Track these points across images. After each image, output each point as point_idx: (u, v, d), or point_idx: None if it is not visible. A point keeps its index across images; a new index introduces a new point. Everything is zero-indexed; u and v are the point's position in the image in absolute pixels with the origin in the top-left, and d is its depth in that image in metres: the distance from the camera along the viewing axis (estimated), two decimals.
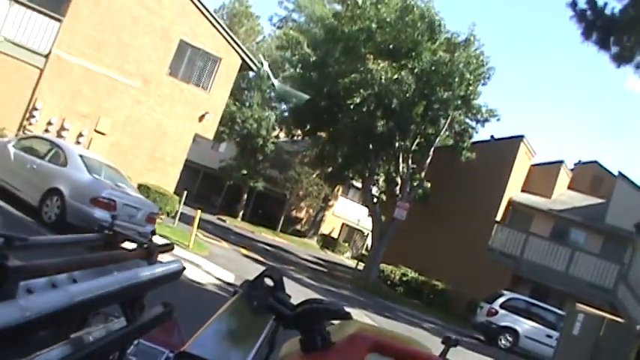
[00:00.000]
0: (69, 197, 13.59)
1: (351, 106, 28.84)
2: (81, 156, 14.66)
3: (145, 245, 2.59)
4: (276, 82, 39.66)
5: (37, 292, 1.78)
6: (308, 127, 34.22)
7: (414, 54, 29.53)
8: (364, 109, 29.55)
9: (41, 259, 1.74)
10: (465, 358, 18.19)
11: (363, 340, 2.04)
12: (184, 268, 2.77)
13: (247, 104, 47.52)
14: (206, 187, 51.00)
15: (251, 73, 53.41)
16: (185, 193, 24.10)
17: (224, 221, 42.40)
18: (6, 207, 13.97)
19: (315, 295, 19.37)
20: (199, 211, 20.96)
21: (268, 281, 2.33)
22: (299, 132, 36.34)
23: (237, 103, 45.93)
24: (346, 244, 53.38)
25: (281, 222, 48.55)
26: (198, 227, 21.16)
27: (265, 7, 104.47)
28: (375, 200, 34.62)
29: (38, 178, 14.19)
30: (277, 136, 48.71)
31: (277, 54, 48.82)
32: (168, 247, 2.93)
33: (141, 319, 2.27)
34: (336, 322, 2.23)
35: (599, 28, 11.27)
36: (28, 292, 1.76)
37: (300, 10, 47.96)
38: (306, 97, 30.62)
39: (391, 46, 29.71)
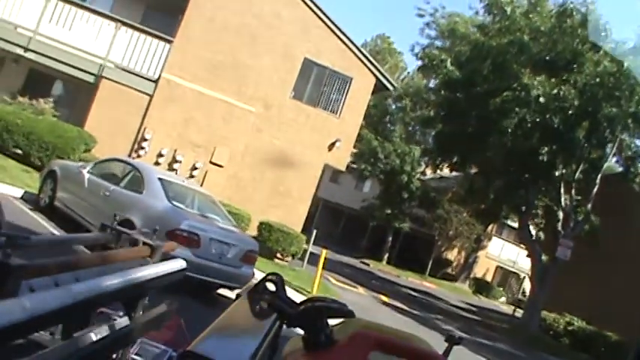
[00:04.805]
0: None
1: (508, 129, 25.34)
2: (161, 179, 11.90)
3: (148, 244, 2.92)
4: None
5: (40, 290, 1.91)
6: (455, 158, 31.08)
7: (574, 66, 25.69)
8: (519, 132, 25.89)
9: (44, 258, 1.95)
10: None
11: (365, 338, 2.14)
12: (187, 267, 3.08)
13: (390, 139, 45.27)
14: (351, 229, 49.53)
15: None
16: (314, 231, 21.04)
17: (367, 265, 40.40)
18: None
19: (470, 354, 16.19)
20: (324, 250, 17.99)
21: (270, 286, 2.44)
22: (445, 166, 33.15)
23: (378, 138, 43.77)
24: (501, 289, 49.73)
25: (429, 265, 45.54)
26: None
27: (408, 42, 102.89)
28: (533, 238, 30.66)
29: (111, 209, 11.54)
30: (423, 173, 46.38)
31: (421, 83, 46.55)
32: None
33: (144, 318, 2.62)
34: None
35: None
36: (31, 290, 1.89)
37: (443, 37, 44.88)
38: None
39: (547, 58, 26.08)
